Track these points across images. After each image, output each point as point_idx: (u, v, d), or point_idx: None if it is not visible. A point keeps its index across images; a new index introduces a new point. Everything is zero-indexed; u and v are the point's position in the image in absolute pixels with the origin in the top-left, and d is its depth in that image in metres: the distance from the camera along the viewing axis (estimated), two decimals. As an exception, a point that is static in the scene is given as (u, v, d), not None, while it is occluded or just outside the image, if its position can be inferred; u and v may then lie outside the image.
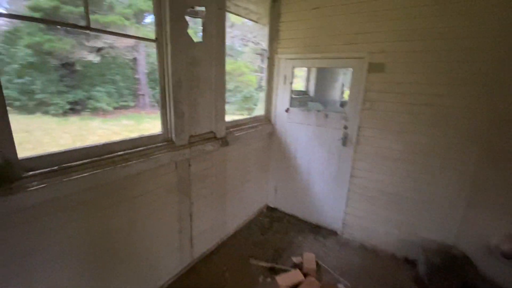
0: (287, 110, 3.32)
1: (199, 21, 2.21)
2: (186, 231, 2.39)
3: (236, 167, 2.93)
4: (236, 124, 2.94)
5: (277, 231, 3.19)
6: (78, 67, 9.64)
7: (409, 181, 2.60)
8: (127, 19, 9.73)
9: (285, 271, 2.51)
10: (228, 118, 2.73)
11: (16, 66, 8.85)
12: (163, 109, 2.05)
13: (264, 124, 3.33)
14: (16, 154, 1.31)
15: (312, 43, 2.95)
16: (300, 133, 3.27)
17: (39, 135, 7.65)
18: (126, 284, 1.95)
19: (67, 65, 9.28)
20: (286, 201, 3.60)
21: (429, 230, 2.60)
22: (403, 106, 2.52)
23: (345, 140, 2.90)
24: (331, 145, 3.03)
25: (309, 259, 2.61)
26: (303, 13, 2.95)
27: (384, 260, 2.74)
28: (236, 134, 2.77)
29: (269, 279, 2.41)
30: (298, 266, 2.55)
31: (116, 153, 1.74)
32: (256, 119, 3.31)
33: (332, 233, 3.18)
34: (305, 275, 2.43)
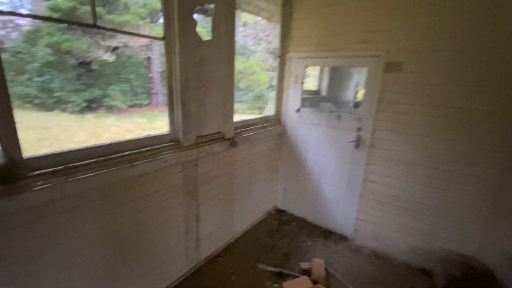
0: (298, 110, 3.23)
1: (208, 19, 2.17)
2: (192, 232, 2.36)
3: (244, 168, 2.87)
4: (245, 124, 2.89)
5: (285, 234, 3.11)
6: (94, 66, 9.90)
7: (427, 188, 2.46)
8: (142, 18, 9.88)
9: (293, 277, 2.43)
10: (239, 117, 2.68)
11: (36, 65, 9.19)
12: (170, 109, 2.02)
13: (274, 125, 3.26)
14: (21, 153, 1.31)
15: (326, 41, 2.84)
16: (311, 134, 3.17)
17: (56, 132, 7.91)
18: (132, 285, 1.94)
19: (84, 64, 9.56)
20: (295, 203, 3.51)
21: (447, 240, 2.44)
22: (421, 108, 2.37)
23: (358, 143, 2.78)
24: (343, 148, 2.92)
25: (318, 265, 2.52)
26: (316, 10, 2.85)
27: (398, 269, 2.61)
28: (245, 135, 2.72)
29: (276, 285, 2.34)
30: (307, 272, 2.46)
31: (122, 153, 1.72)
32: (266, 119, 3.24)
33: (343, 238, 3.06)
34: (313, 282, 2.34)
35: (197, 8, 1.99)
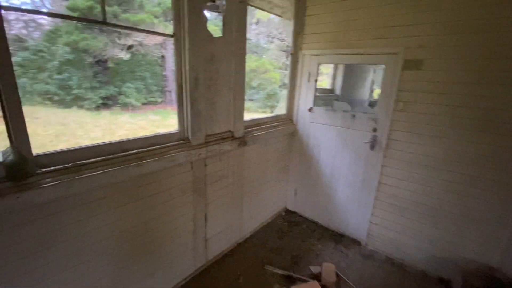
0: (310, 110, 3.14)
1: (219, 15, 2.12)
2: (200, 232, 2.33)
3: (254, 168, 2.82)
4: (255, 123, 2.83)
5: (295, 237, 3.04)
6: (110, 64, 10.13)
7: (448, 193, 2.32)
8: (156, 17, 10.00)
9: (302, 281, 2.36)
10: (250, 115, 2.63)
11: (56, 63, 9.50)
12: (179, 107, 1.99)
13: (286, 124, 3.18)
14: (30, 150, 1.31)
15: (341, 37, 2.73)
16: (324, 134, 3.07)
17: (73, 128, 8.16)
18: (139, 283, 1.93)
19: (101, 62, 9.79)
20: (306, 205, 3.43)
21: (468, 249, 2.30)
22: (443, 108, 2.23)
23: (373, 144, 2.66)
24: (357, 149, 2.81)
25: (328, 270, 2.44)
26: (331, 6, 2.74)
27: (413, 278, 2.49)
28: (255, 134, 2.66)
29: (284, 289, 2.29)
30: (317, 277, 2.39)
31: (131, 151, 1.71)
32: (277, 118, 3.16)
33: (355, 243, 2.96)
34: (323, 287, 2.27)
35: (208, 4, 1.95)
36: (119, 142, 1.67)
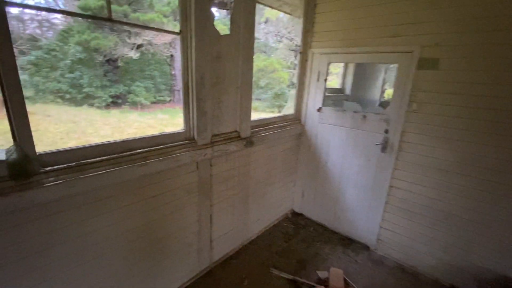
0: (319, 110, 3.06)
1: (227, 13, 2.07)
2: (205, 233, 2.30)
3: (261, 168, 2.77)
4: (263, 123, 2.77)
5: (302, 240, 2.97)
6: (120, 63, 10.26)
7: (463, 198, 2.21)
8: (166, 16, 10.06)
9: (308, 286, 2.30)
10: (258, 115, 2.57)
11: (68, 61, 9.68)
12: (185, 106, 1.96)
13: (293, 124, 3.12)
14: (34, 149, 1.29)
15: (352, 35, 2.65)
16: (333, 135, 2.99)
17: (84, 126, 8.29)
18: (143, 284, 1.91)
19: (111, 61, 9.93)
20: (313, 207, 3.35)
21: (484, 258, 2.18)
22: (459, 110, 2.12)
23: (385, 146, 2.57)
24: (368, 151, 2.72)
25: (336, 275, 2.36)
26: (342, 3, 2.66)
27: (425, 285, 2.39)
28: (262, 134, 2.61)
29: (290, 293, 2.23)
30: (324, 283, 2.32)
31: (136, 151, 1.68)
32: (284, 118, 3.10)
33: (364, 247, 2.87)
34: (330, 293, 2.20)
35: (216, 1, 1.91)
36: (124, 141, 1.64)
